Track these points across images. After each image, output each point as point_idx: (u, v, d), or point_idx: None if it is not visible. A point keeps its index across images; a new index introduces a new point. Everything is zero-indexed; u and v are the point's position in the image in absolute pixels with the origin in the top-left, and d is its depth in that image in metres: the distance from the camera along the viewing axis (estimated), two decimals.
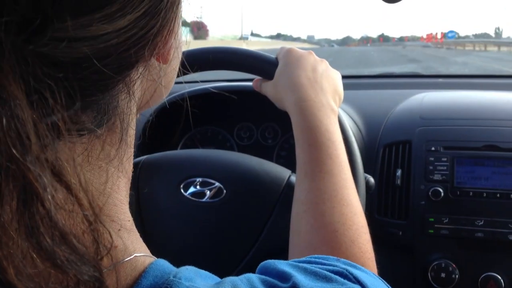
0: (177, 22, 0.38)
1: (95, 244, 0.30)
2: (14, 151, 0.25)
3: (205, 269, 0.39)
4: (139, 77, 0.36)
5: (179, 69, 0.46)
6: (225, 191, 0.80)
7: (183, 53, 0.46)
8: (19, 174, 0.25)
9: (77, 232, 0.29)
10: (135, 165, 0.83)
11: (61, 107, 0.27)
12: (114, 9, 0.29)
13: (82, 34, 0.28)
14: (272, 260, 0.42)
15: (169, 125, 1.16)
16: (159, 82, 0.40)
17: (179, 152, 0.94)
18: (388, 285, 0.44)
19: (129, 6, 0.30)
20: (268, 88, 0.77)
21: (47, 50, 0.27)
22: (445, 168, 1.02)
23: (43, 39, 0.27)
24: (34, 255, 0.26)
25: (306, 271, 0.39)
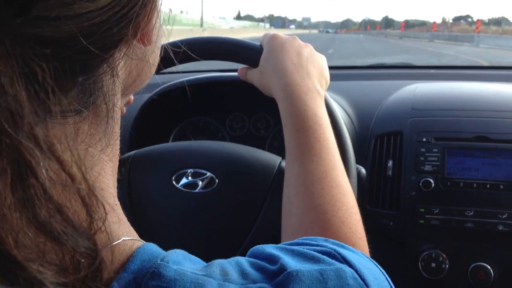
0: (158, 2, 0.38)
1: (89, 218, 0.30)
2: (6, 126, 0.25)
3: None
4: (122, 57, 0.37)
5: (165, 62, 0.46)
6: (217, 180, 0.80)
7: (169, 45, 0.46)
8: (13, 149, 0.26)
9: (72, 205, 0.29)
10: (126, 159, 0.83)
11: (51, 81, 0.28)
12: None
13: (65, 13, 0.28)
14: (261, 245, 0.43)
15: (160, 116, 1.15)
16: (146, 60, 0.41)
17: (169, 145, 0.94)
18: (378, 265, 0.44)
19: None
20: (254, 76, 0.77)
21: (31, 29, 0.27)
22: (436, 159, 1.03)
23: (29, 17, 0.27)
24: (31, 228, 0.27)
25: (293, 253, 0.40)
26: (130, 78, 0.40)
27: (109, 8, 0.30)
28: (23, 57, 0.26)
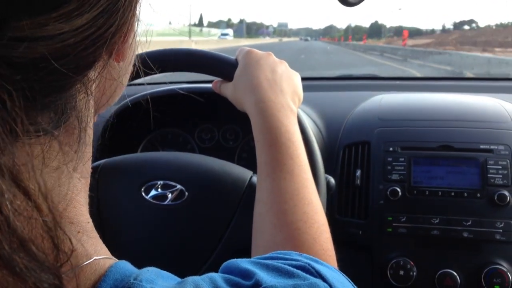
0: (135, 21, 0.37)
1: (55, 250, 0.29)
2: None
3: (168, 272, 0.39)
4: (97, 76, 0.36)
5: (141, 70, 0.46)
6: (186, 193, 0.79)
7: (144, 54, 0.46)
8: None
9: (36, 238, 0.28)
10: (95, 169, 0.81)
11: (19, 109, 0.27)
12: (71, 8, 0.28)
13: (38, 34, 0.27)
14: (235, 260, 0.42)
15: (129, 127, 1.14)
16: (119, 80, 0.40)
17: (139, 155, 0.93)
18: (349, 280, 0.44)
19: (87, 5, 0.29)
20: (228, 90, 0.77)
21: (3, 50, 0.26)
22: (402, 168, 1.05)
23: (1, 39, 0.26)
24: None
25: (268, 268, 0.40)
26: (104, 97, 0.40)
27: (85, 29, 0.30)
28: None
